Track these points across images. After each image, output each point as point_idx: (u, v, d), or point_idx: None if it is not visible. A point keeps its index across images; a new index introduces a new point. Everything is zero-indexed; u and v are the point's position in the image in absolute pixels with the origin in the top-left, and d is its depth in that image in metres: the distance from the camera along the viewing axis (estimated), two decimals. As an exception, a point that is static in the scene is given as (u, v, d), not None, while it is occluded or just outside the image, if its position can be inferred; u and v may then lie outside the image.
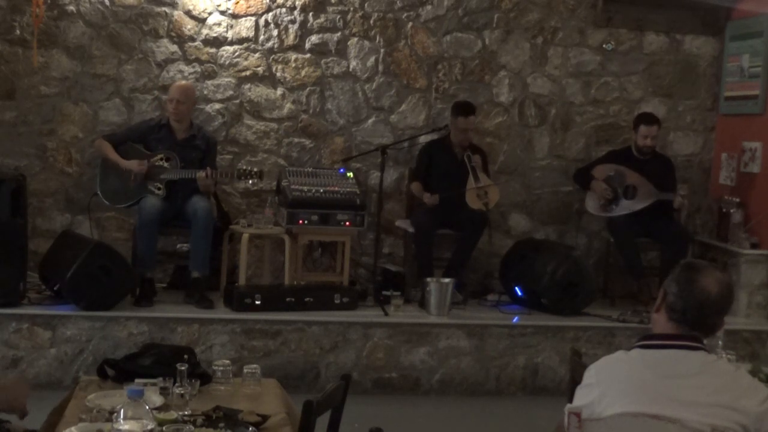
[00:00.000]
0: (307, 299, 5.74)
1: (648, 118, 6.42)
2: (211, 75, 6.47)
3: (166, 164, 5.82)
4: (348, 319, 5.66)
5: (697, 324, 2.46)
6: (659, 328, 2.52)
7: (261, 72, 6.51)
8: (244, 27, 6.47)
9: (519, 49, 6.80)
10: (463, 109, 6.27)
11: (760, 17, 6.56)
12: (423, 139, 6.56)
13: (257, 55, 6.51)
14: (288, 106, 6.57)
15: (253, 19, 6.48)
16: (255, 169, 5.91)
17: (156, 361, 3.35)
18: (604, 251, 6.81)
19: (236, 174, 5.92)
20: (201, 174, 5.75)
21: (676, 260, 2.68)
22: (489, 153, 6.76)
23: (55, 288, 5.56)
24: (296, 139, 6.60)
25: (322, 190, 6.04)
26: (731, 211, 6.45)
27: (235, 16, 6.46)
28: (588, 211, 6.67)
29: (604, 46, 6.88)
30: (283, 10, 6.50)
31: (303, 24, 6.53)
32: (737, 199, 6.42)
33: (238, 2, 6.44)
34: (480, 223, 6.11)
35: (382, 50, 6.64)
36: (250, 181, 6.01)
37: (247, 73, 6.51)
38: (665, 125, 6.86)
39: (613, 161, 6.48)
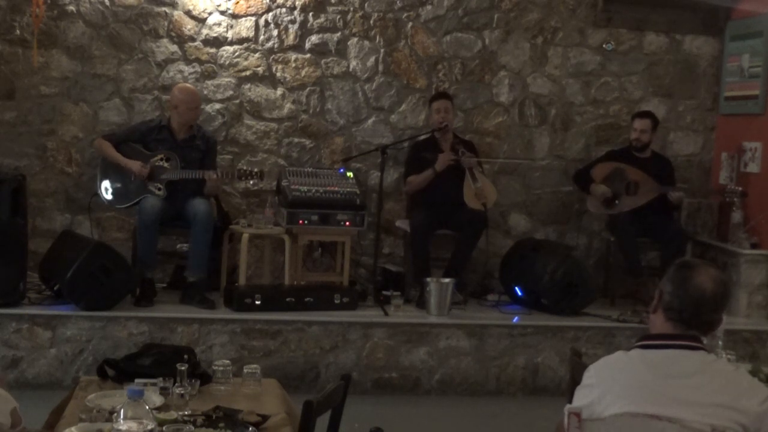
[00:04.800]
0: (307, 299, 5.74)
1: (641, 113, 6.55)
2: (211, 75, 6.47)
3: (166, 164, 5.81)
4: (348, 319, 5.66)
5: (694, 322, 2.46)
6: (657, 328, 2.52)
7: (261, 72, 6.52)
8: (244, 27, 6.47)
9: (519, 49, 6.80)
10: (436, 95, 6.45)
11: (760, 17, 6.56)
12: (420, 139, 6.56)
13: (257, 55, 6.51)
14: (288, 106, 6.57)
15: (253, 19, 6.48)
16: (256, 170, 5.91)
17: (156, 361, 3.35)
18: (604, 251, 6.81)
19: (237, 174, 5.92)
20: (213, 175, 5.75)
21: (674, 260, 2.69)
22: (489, 153, 6.77)
23: (55, 288, 5.56)
24: (296, 139, 6.60)
25: (322, 190, 6.04)
26: (734, 200, 6.43)
27: (235, 16, 6.46)
28: (588, 211, 6.68)
29: (604, 46, 6.89)
30: (283, 10, 6.51)
31: (303, 24, 6.53)
32: (740, 188, 6.40)
33: (238, 2, 6.44)
34: (479, 223, 6.11)
35: (382, 50, 6.64)
36: (251, 182, 6.02)
37: (247, 73, 6.51)
38: (665, 125, 6.87)
39: (612, 161, 6.49)
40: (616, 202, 6.37)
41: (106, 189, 5.91)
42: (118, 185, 5.87)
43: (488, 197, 6.10)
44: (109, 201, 5.96)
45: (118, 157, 5.84)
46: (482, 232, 6.17)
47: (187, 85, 6.09)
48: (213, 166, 5.94)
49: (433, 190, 6.18)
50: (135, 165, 5.77)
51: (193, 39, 6.42)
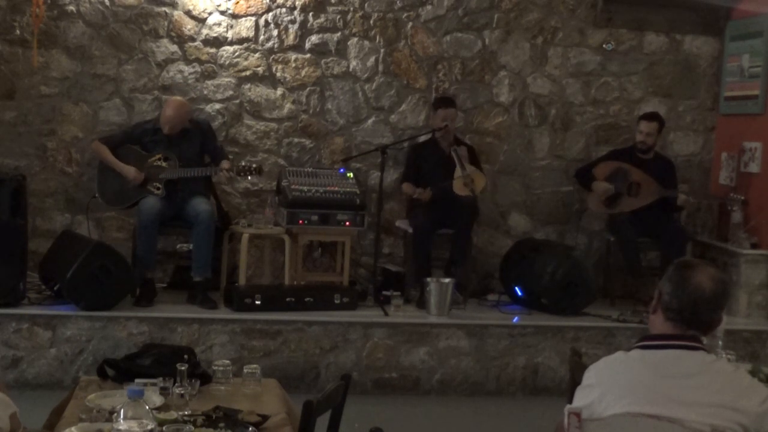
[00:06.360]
0: (307, 299, 5.75)
1: (648, 115, 6.52)
2: (211, 75, 6.47)
3: (164, 164, 5.82)
4: (348, 319, 5.66)
5: (694, 321, 2.46)
6: (657, 328, 2.52)
7: (261, 72, 6.51)
8: (244, 27, 6.47)
9: (519, 49, 6.80)
10: (442, 101, 6.39)
11: (760, 17, 6.56)
12: (421, 140, 6.56)
13: (257, 55, 6.51)
14: (288, 106, 6.57)
15: (253, 19, 6.48)
16: (254, 165, 5.91)
17: (156, 361, 3.35)
18: (604, 251, 6.80)
19: (235, 170, 5.90)
20: (225, 166, 5.83)
21: (674, 260, 2.69)
22: (489, 153, 6.78)
23: (55, 288, 5.56)
24: (296, 139, 6.60)
25: (322, 190, 6.04)
26: (735, 209, 6.44)
27: (235, 16, 6.46)
28: (588, 210, 6.70)
29: (604, 46, 6.88)
30: (283, 10, 6.50)
31: (303, 24, 6.53)
32: (741, 197, 6.41)
33: (238, 2, 6.44)
34: (469, 209, 6.11)
35: (382, 50, 6.64)
36: (249, 177, 6.03)
37: (247, 73, 6.51)
38: (665, 125, 6.85)
39: (615, 160, 6.49)
40: (617, 203, 6.37)
41: (105, 191, 5.92)
42: (117, 187, 5.87)
43: (476, 183, 6.08)
44: (108, 202, 5.96)
45: (114, 161, 5.85)
46: (474, 219, 6.16)
47: (175, 101, 5.95)
48: (215, 147, 6.02)
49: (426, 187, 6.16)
50: (130, 172, 5.78)
51: (193, 39, 6.42)
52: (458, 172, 6.09)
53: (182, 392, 3.01)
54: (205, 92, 6.44)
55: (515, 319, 5.93)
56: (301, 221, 5.94)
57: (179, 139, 5.90)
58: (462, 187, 6.04)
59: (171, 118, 5.83)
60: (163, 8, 6.36)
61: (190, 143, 5.92)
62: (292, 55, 6.55)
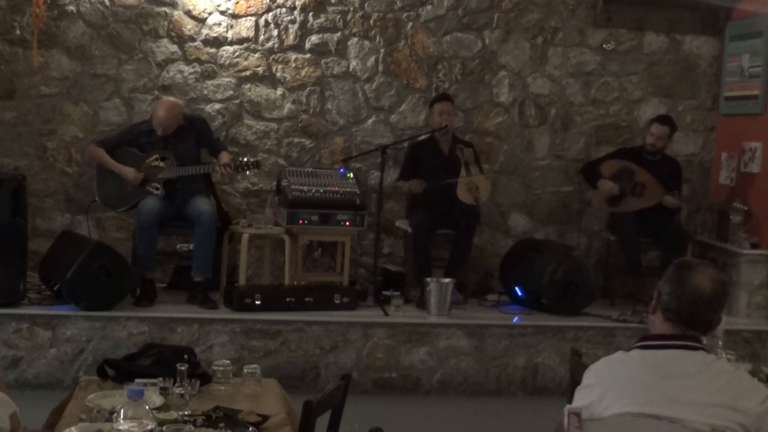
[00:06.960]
0: (307, 299, 5.75)
1: (661, 118, 6.51)
2: (211, 75, 6.47)
3: (161, 164, 5.81)
4: (348, 319, 5.66)
5: (693, 322, 2.46)
6: (656, 329, 2.52)
7: (261, 72, 6.52)
8: (244, 27, 6.47)
9: (519, 49, 6.80)
10: (438, 97, 6.41)
11: (760, 17, 6.56)
12: (420, 139, 6.55)
13: (257, 55, 6.51)
14: (288, 106, 6.57)
15: (253, 19, 6.48)
16: (252, 159, 5.89)
17: (156, 361, 3.35)
18: (604, 251, 6.81)
19: (233, 166, 5.87)
20: (224, 159, 5.83)
21: (674, 260, 2.69)
22: (489, 153, 6.78)
23: (55, 288, 5.56)
24: (296, 139, 6.60)
25: (322, 190, 6.04)
26: (738, 218, 6.43)
27: (235, 16, 6.46)
28: (590, 207, 6.71)
29: (604, 46, 6.88)
30: (283, 10, 6.51)
31: (303, 24, 6.53)
32: (745, 207, 6.40)
33: (238, 2, 6.44)
34: (472, 218, 6.10)
35: (382, 50, 6.64)
36: (248, 172, 6.01)
37: (247, 73, 6.51)
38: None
39: (623, 159, 6.49)
40: (620, 202, 6.36)
41: (104, 194, 5.91)
42: (116, 189, 5.86)
43: (481, 191, 6.08)
44: (108, 206, 5.97)
45: (112, 163, 5.84)
46: (476, 227, 6.16)
47: (167, 102, 5.93)
48: (212, 140, 6.03)
49: (430, 189, 6.16)
50: (129, 172, 5.77)
51: (193, 39, 6.42)
52: (462, 176, 6.07)
53: (182, 392, 3.01)
54: (205, 92, 6.44)
55: (515, 319, 5.93)
56: (301, 221, 5.94)
57: (175, 138, 5.89)
58: (466, 194, 6.03)
59: (163, 119, 5.82)
60: (163, 8, 6.36)
61: (186, 141, 5.92)
62: (292, 55, 6.55)
